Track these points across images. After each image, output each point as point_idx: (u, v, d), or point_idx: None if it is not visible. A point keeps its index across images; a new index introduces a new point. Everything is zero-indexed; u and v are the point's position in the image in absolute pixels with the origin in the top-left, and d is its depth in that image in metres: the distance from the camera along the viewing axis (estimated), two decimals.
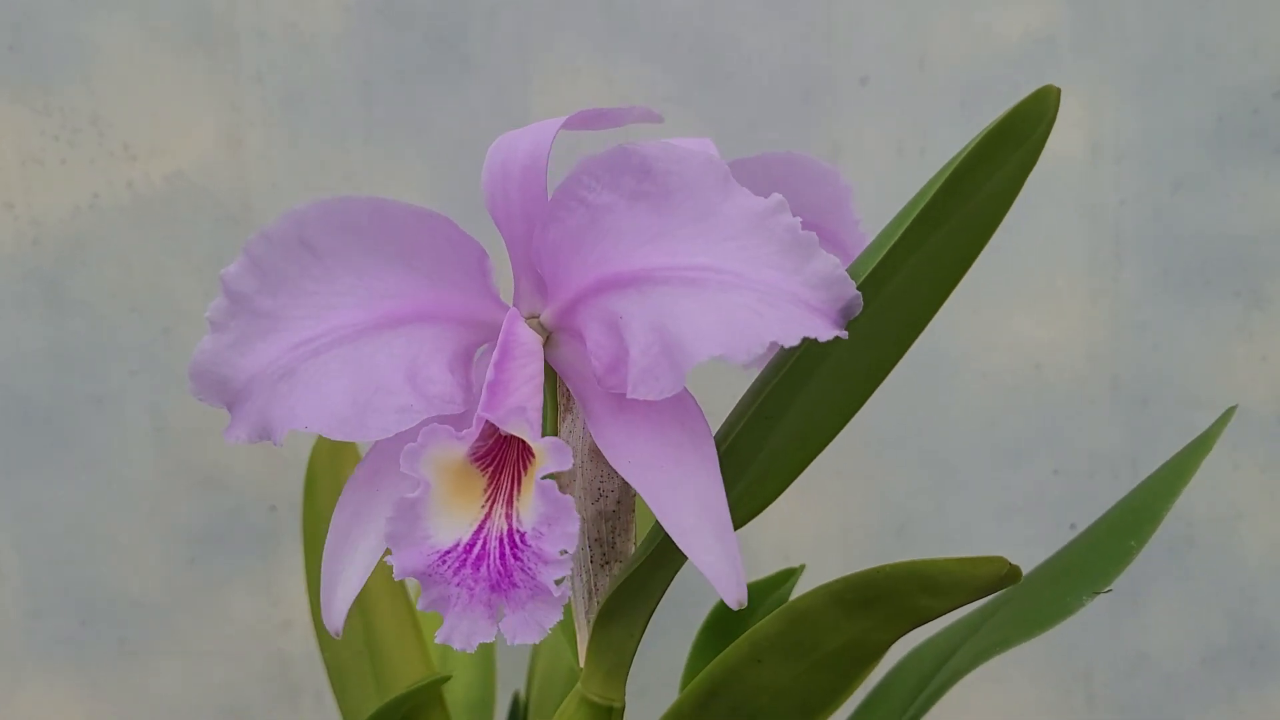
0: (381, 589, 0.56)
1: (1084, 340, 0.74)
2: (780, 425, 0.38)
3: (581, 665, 0.42)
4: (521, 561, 0.32)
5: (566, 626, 0.51)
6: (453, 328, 0.36)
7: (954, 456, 0.75)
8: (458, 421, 0.35)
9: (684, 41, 0.70)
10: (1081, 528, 0.75)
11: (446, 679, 0.54)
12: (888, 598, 0.39)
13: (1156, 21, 0.72)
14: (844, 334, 0.31)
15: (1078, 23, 0.71)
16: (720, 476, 0.35)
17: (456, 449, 0.33)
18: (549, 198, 0.36)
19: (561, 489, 0.34)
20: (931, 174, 0.73)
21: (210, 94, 0.69)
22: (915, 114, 0.72)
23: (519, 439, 0.33)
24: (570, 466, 0.33)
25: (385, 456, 0.37)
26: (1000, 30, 0.71)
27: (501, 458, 0.34)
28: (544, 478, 0.33)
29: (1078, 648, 0.77)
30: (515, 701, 0.65)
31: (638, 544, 0.40)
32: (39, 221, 0.70)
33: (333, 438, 0.35)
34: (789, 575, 0.58)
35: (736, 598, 0.34)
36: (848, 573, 0.76)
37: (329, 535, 0.37)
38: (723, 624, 0.55)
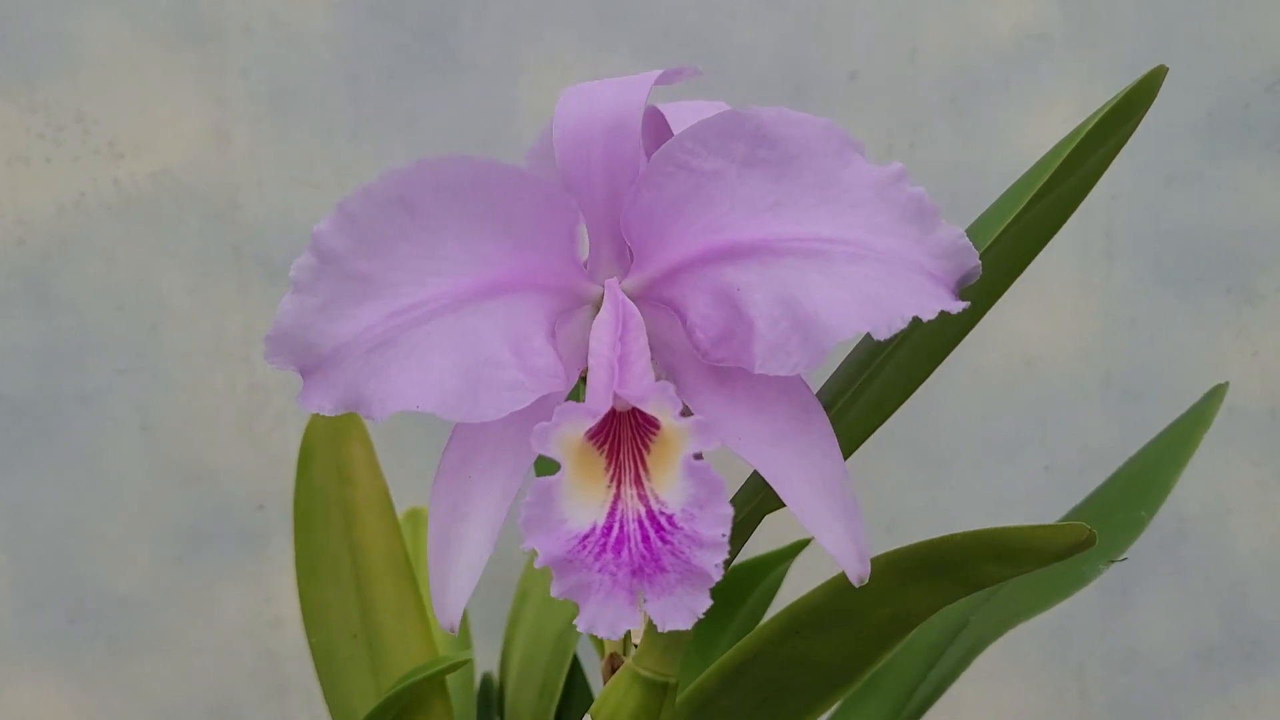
0: (384, 567, 0.54)
1: (1075, 335, 0.74)
2: (864, 394, 0.38)
3: (636, 642, 0.41)
4: (672, 545, 0.31)
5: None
6: (546, 296, 0.34)
7: (946, 452, 0.75)
8: (550, 401, 0.33)
9: (674, 35, 0.70)
10: None
11: (462, 662, 0.52)
12: (953, 566, 0.39)
13: (1148, 17, 0.72)
14: (964, 305, 0.31)
15: (1069, 18, 0.71)
16: (838, 450, 0.34)
17: (584, 426, 0.32)
18: (640, 158, 0.34)
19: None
20: (919, 169, 0.74)
21: (197, 90, 0.69)
22: (905, 108, 0.72)
23: (634, 420, 0.32)
24: (717, 446, 0.31)
25: (470, 442, 0.35)
26: (991, 25, 0.71)
27: (616, 435, 0.32)
28: (693, 457, 0.31)
29: (1071, 644, 0.77)
30: (487, 682, 0.64)
31: None
32: (24, 221, 0.69)
33: (445, 418, 0.32)
34: (799, 546, 0.60)
35: (859, 574, 0.33)
36: (833, 574, 0.77)
37: (430, 533, 0.35)
38: (723, 596, 0.56)
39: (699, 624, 0.55)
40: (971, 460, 0.75)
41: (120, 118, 0.69)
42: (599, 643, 0.52)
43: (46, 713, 0.74)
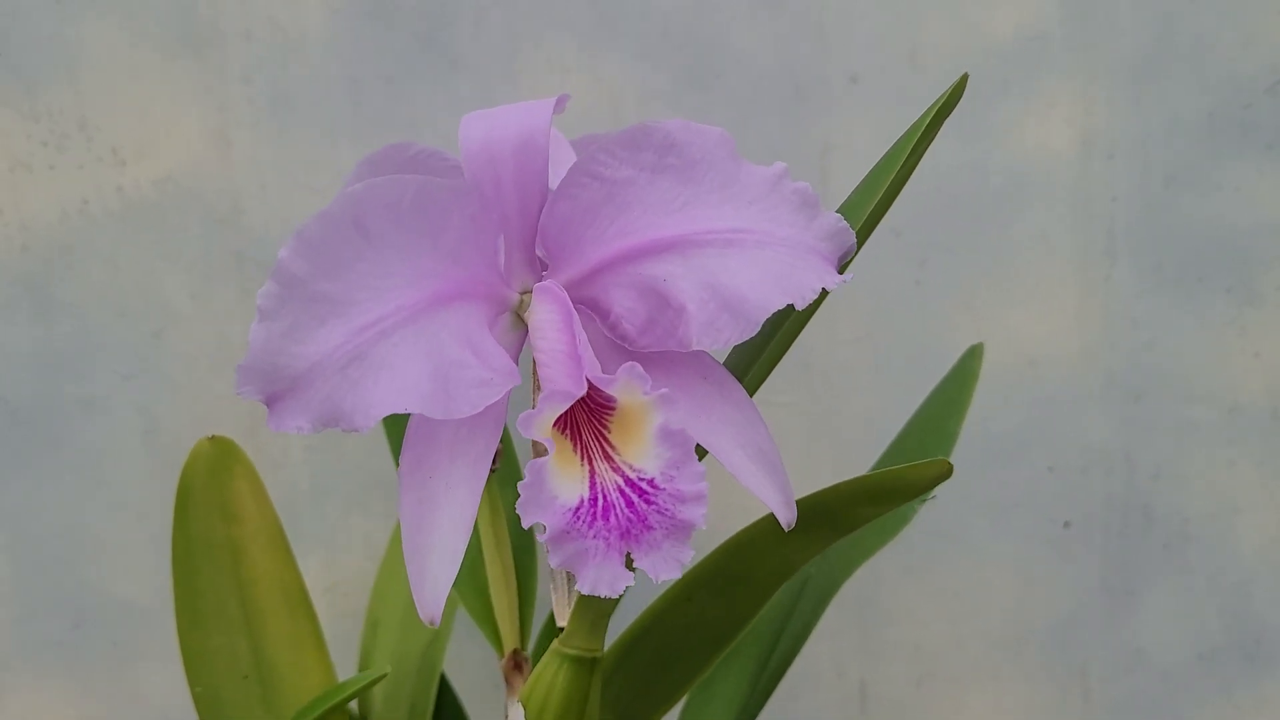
0: (277, 602, 0.54)
1: (1077, 336, 0.74)
2: (767, 349, 0.42)
3: (561, 624, 0.43)
4: (657, 505, 0.34)
5: (476, 608, 0.53)
6: (480, 304, 0.37)
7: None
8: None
9: (673, 39, 0.70)
10: (1075, 525, 0.76)
11: (379, 678, 0.51)
12: (832, 514, 0.43)
13: (1148, 17, 0.72)
14: (848, 278, 0.36)
15: (1069, 19, 0.71)
16: (757, 414, 0.38)
17: (561, 409, 0.35)
18: (547, 173, 0.37)
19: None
20: (920, 171, 0.73)
21: (198, 96, 0.69)
22: (905, 112, 0.70)
23: (586, 402, 0.35)
24: (682, 415, 0.35)
25: (422, 445, 0.37)
26: (991, 27, 0.71)
27: (574, 421, 0.36)
28: (659, 427, 0.35)
29: (1074, 644, 0.78)
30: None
31: None
32: (27, 227, 0.69)
33: (429, 415, 0.35)
34: None
35: (787, 519, 0.39)
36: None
37: (403, 531, 0.37)
38: None
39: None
40: (973, 461, 0.75)
41: (122, 124, 0.69)
42: (497, 642, 0.53)
43: (49, 718, 0.74)
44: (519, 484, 0.34)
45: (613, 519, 0.34)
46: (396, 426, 0.60)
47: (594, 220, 0.37)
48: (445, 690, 0.60)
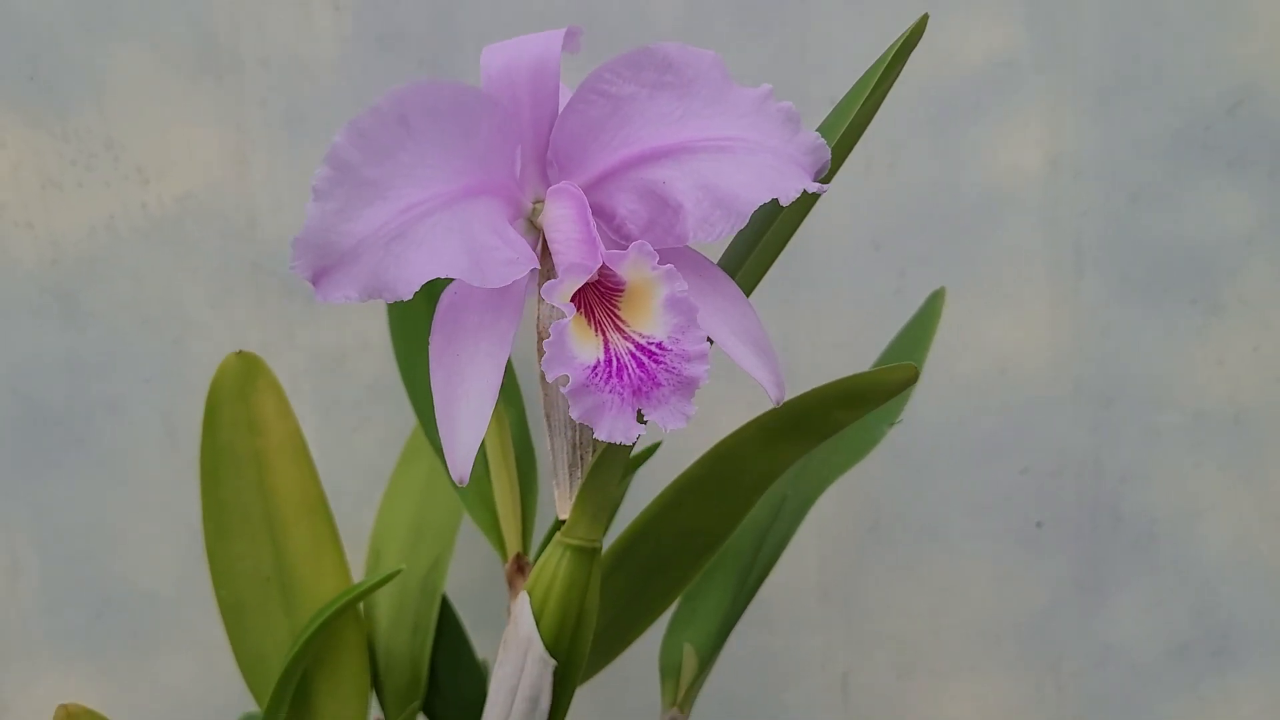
0: (299, 510, 0.54)
1: (1048, 344, 0.75)
2: (745, 264, 0.45)
3: (563, 517, 0.45)
4: (664, 364, 0.37)
5: (484, 518, 0.54)
6: (501, 202, 0.40)
7: (926, 456, 0.75)
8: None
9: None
10: (1048, 525, 0.77)
11: (393, 575, 0.52)
12: (810, 419, 0.45)
13: (1112, 43, 0.72)
14: (826, 187, 0.39)
15: (1037, 45, 0.72)
16: (749, 305, 0.41)
17: (581, 281, 0.38)
18: (558, 93, 0.41)
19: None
20: (898, 188, 0.76)
21: (217, 118, 0.70)
22: (884, 131, 0.72)
23: (598, 286, 0.38)
24: (686, 287, 0.38)
25: (454, 323, 0.40)
26: (963, 53, 0.72)
27: (588, 301, 0.38)
28: (667, 296, 0.37)
29: (1048, 639, 0.78)
30: None
31: None
32: (57, 241, 0.70)
33: (468, 281, 0.38)
34: (649, 452, 0.62)
35: (777, 395, 0.41)
36: (823, 570, 0.79)
37: (436, 400, 0.40)
38: None
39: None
40: (951, 463, 0.76)
41: (147, 145, 0.70)
42: (501, 548, 0.54)
43: (73, 701, 0.73)
44: (543, 342, 0.37)
45: (626, 377, 0.37)
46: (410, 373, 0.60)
47: (600, 132, 0.40)
48: (446, 608, 0.62)
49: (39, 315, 0.71)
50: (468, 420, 0.40)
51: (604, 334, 0.38)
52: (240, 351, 0.54)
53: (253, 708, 0.73)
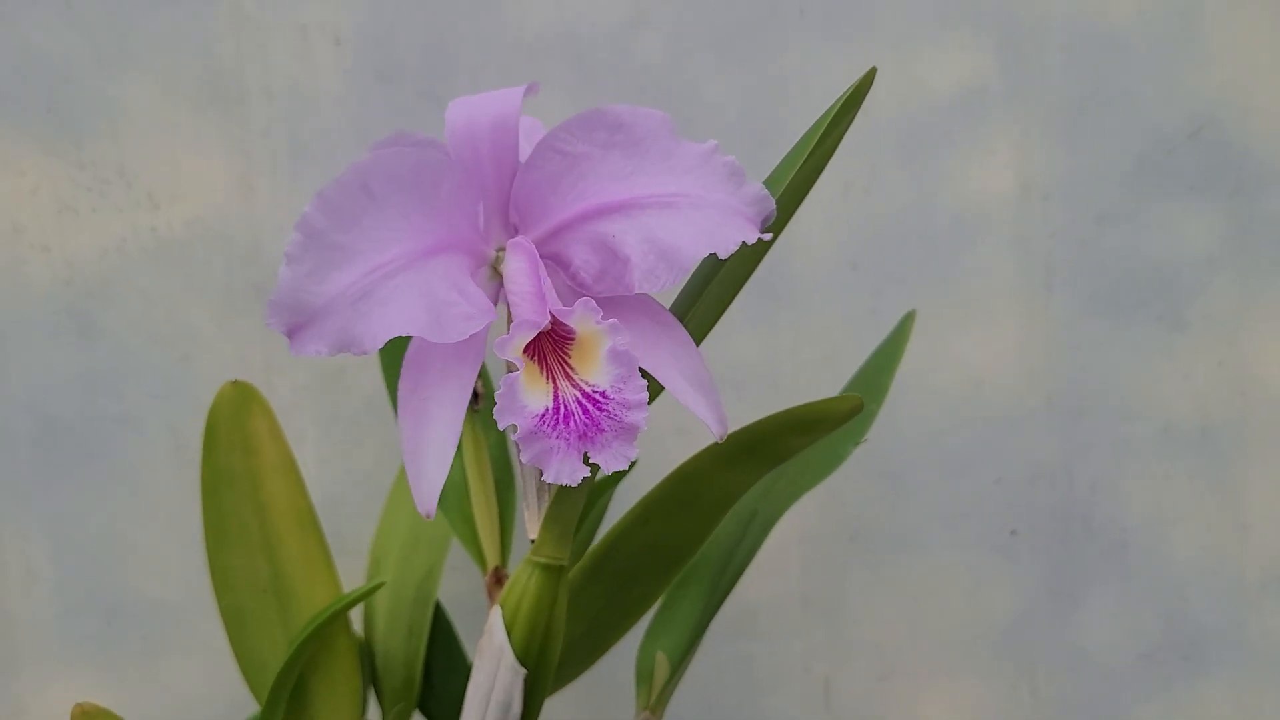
0: (291, 524, 0.56)
1: (1020, 360, 0.76)
2: (701, 299, 0.46)
3: (533, 537, 0.47)
4: (607, 411, 0.39)
5: (465, 533, 0.56)
6: (463, 256, 0.42)
7: (903, 467, 0.76)
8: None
9: (649, 94, 0.72)
10: (1021, 533, 0.77)
11: (375, 588, 0.54)
12: (765, 443, 0.47)
13: (1078, 72, 0.73)
14: (769, 236, 0.41)
15: (1006, 74, 0.73)
16: (694, 348, 0.43)
17: (530, 336, 0.40)
18: (517, 149, 0.43)
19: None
20: (874, 211, 0.76)
21: (224, 147, 0.71)
22: (860, 157, 0.74)
23: (551, 335, 0.40)
24: (629, 340, 0.40)
25: (423, 371, 0.43)
26: (935, 82, 0.73)
27: (541, 351, 0.40)
28: (609, 349, 0.40)
29: (1022, 644, 0.78)
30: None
31: None
32: (72, 263, 0.71)
33: (427, 338, 0.40)
34: (620, 476, 0.63)
35: (719, 431, 0.43)
36: (805, 578, 0.80)
37: (404, 442, 0.42)
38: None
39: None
40: (927, 474, 0.77)
41: (157, 172, 0.71)
42: (481, 561, 0.57)
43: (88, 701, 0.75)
44: (496, 393, 0.39)
45: (572, 423, 0.39)
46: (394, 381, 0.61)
47: (556, 187, 0.42)
48: (439, 614, 0.64)
49: (55, 334, 0.72)
50: (434, 460, 0.42)
51: (555, 381, 0.40)
52: (235, 380, 0.56)
53: (256, 711, 0.75)
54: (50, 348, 0.72)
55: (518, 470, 0.50)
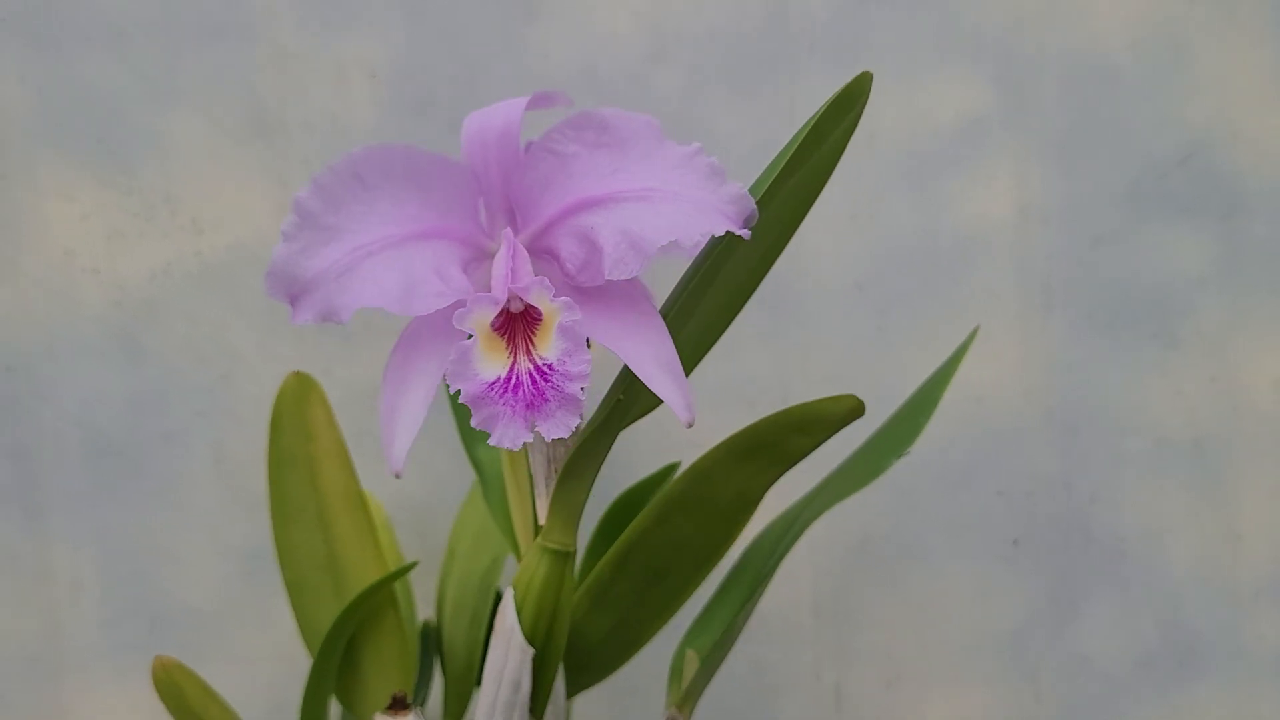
0: (343, 506, 0.58)
1: (1020, 377, 0.77)
2: (703, 302, 0.48)
3: (542, 523, 0.49)
4: (551, 383, 0.41)
5: (503, 525, 0.58)
6: (456, 245, 0.45)
7: (909, 480, 0.76)
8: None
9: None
10: (1023, 543, 0.78)
11: (409, 568, 0.57)
12: (770, 443, 0.48)
13: (1073, 102, 0.75)
14: (748, 234, 0.41)
15: (1005, 104, 0.74)
16: (668, 338, 0.44)
17: (489, 313, 0.42)
18: (520, 153, 0.45)
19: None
20: (880, 234, 0.77)
21: (265, 176, 0.72)
22: (866, 185, 0.74)
23: (525, 317, 0.42)
24: (579, 318, 0.42)
25: (411, 346, 0.45)
26: (938, 113, 0.74)
27: (512, 329, 0.42)
28: (559, 324, 0.41)
29: (1025, 650, 0.79)
30: (427, 626, 0.68)
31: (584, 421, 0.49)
32: (121, 286, 0.72)
33: (392, 311, 0.42)
34: (670, 470, 0.65)
35: (687, 418, 0.44)
36: (817, 589, 0.81)
37: (383, 406, 0.45)
38: (614, 519, 0.63)
39: (596, 535, 0.60)
40: (932, 487, 0.77)
41: (201, 200, 0.72)
42: (517, 550, 0.58)
43: (128, 711, 0.75)
44: (449, 360, 0.41)
45: (520, 393, 0.41)
46: (463, 416, 0.63)
47: (549, 184, 0.44)
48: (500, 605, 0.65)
49: (104, 354, 0.73)
50: (405, 424, 0.44)
51: (515, 355, 0.42)
52: (297, 371, 0.59)
53: (292, 713, 0.75)
54: (99, 366, 0.73)
55: (530, 460, 0.52)
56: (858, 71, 0.45)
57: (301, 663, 0.74)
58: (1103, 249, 0.76)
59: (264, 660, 0.77)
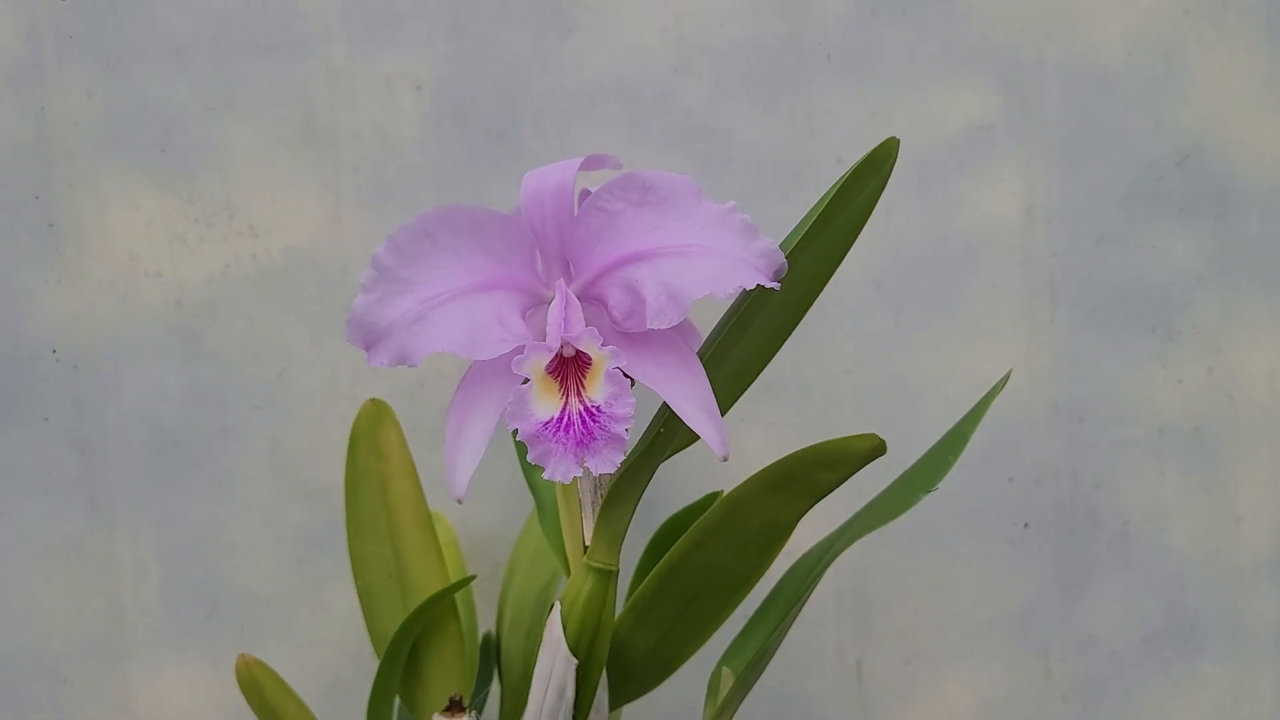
0: (411, 522, 0.61)
1: (1028, 370, 0.78)
2: (737, 346, 0.50)
3: (588, 544, 0.51)
4: (599, 423, 0.44)
5: (556, 545, 0.60)
6: (516, 294, 0.47)
7: None
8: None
9: (691, 133, 0.74)
10: (1032, 527, 0.79)
11: (468, 580, 0.60)
12: (797, 477, 0.50)
13: (1074, 108, 0.76)
14: (777, 286, 0.44)
15: (1010, 111, 0.75)
16: (706, 380, 0.47)
17: (544, 359, 0.45)
18: (574, 210, 0.47)
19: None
20: (894, 235, 0.78)
21: (317, 184, 0.73)
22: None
23: (576, 361, 0.45)
24: (624, 364, 0.44)
25: (474, 385, 0.47)
26: (947, 119, 0.75)
27: (565, 373, 0.45)
28: (607, 371, 0.44)
29: (1035, 629, 0.80)
30: (487, 637, 0.70)
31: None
32: (181, 287, 0.73)
33: (461, 355, 0.44)
34: (712, 498, 0.65)
35: (722, 453, 0.46)
36: (837, 574, 0.82)
37: (448, 436, 0.47)
38: (660, 543, 0.64)
39: (644, 559, 0.62)
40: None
41: (258, 206, 0.73)
42: (568, 570, 0.59)
43: (189, 693, 0.77)
44: (509, 402, 0.44)
45: (571, 432, 0.44)
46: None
47: (599, 239, 0.46)
48: None
49: (165, 351, 0.74)
50: (467, 455, 0.47)
51: (567, 397, 0.44)
52: (374, 399, 0.63)
53: (342, 699, 0.77)
54: (161, 364, 0.74)
55: (580, 486, 0.55)
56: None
57: (353, 646, 0.78)
58: (1104, 248, 0.77)
59: (318, 644, 0.78)
